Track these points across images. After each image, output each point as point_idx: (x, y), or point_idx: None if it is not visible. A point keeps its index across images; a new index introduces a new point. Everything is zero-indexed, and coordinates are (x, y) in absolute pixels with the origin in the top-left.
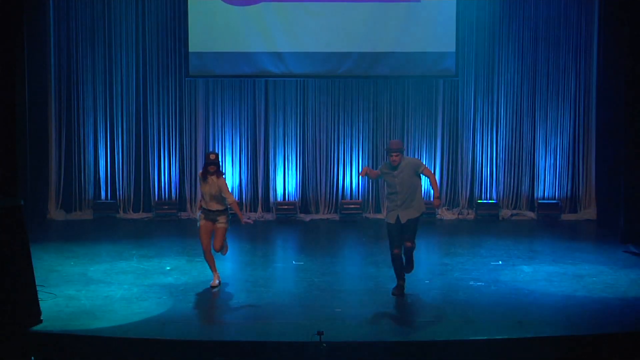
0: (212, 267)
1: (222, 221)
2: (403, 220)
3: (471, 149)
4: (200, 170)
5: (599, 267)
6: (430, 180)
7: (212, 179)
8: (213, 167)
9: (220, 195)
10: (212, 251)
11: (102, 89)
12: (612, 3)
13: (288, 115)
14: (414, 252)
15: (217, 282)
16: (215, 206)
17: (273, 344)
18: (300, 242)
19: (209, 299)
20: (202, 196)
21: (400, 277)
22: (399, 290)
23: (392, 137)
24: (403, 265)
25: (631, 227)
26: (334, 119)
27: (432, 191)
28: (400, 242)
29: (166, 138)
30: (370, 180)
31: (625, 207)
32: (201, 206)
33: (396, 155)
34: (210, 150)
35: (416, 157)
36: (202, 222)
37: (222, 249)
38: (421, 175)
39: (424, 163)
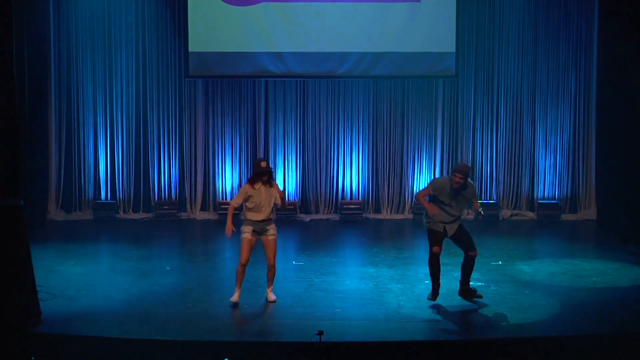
0: (239, 283)
1: (272, 232)
2: (450, 233)
3: (471, 149)
4: (246, 184)
5: (599, 267)
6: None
7: (264, 187)
8: (267, 176)
9: (272, 203)
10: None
11: (102, 89)
12: (612, 3)
13: (288, 115)
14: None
15: (237, 298)
16: (266, 215)
17: (273, 344)
18: (300, 242)
19: (209, 299)
20: (252, 208)
21: (436, 281)
22: (435, 295)
23: (392, 137)
24: (440, 266)
25: (631, 227)
26: (334, 119)
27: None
28: (442, 242)
29: (166, 138)
30: (371, 181)
31: (625, 207)
32: (246, 218)
33: (460, 179)
34: (261, 157)
35: (416, 157)
36: (247, 236)
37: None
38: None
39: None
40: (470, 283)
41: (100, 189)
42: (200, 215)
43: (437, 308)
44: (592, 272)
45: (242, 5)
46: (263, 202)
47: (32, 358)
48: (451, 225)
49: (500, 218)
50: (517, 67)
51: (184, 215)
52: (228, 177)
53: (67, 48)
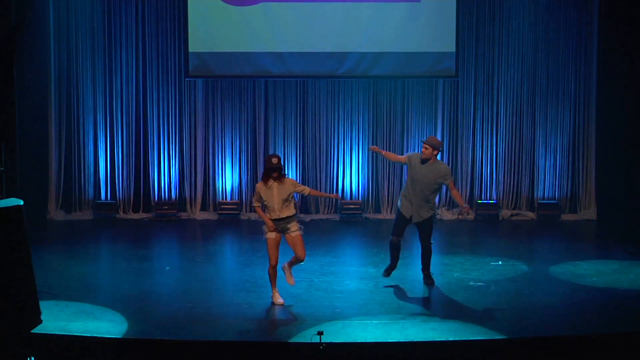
0: (274, 284)
1: (294, 229)
2: (416, 220)
3: (471, 149)
4: (259, 181)
5: (599, 267)
6: (453, 195)
7: (276, 184)
8: (277, 173)
9: (290, 199)
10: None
11: (102, 89)
12: (612, 3)
13: (288, 115)
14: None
15: (281, 300)
16: (285, 212)
17: (273, 344)
18: None
19: (208, 299)
20: (267, 206)
21: (393, 260)
22: (388, 272)
23: (392, 137)
24: (399, 253)
25: (631, 227)
26: (334, 119)
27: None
28: (403, 233)
29: (166, 138)
30: (371, 181)
31: (625, 207)
32: (269, 218)
33: (425, 149)
34: (272, 152)
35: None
36: (271, 235)
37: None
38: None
39: (452, 176)
40: (430, 270)
41: (100, 189)
42: (200, 215)
43: (437, 308)
44: (592, 272)
45: (242, 5)
46: (274, 201)
47: (32, 358)
48: (418, 212)
49: (500, 218)
50: (517, 67)
51: (184, 215)
52: (228, 177)
53: (67, 48)
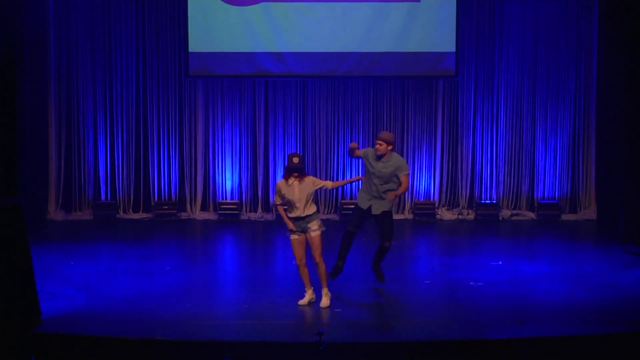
0: (307, 282)
1: (314, 228)
2: (375, 212)
3: (471, 149)
4: (280, 180)
5: (599, 267)
6: (400, 186)
7: (297, 182)
8: (297, 173)
9: (311, 197)
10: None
11: (102, 89)
12: (612, 3)
13: (288, 115)
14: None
15: (307, 300)
16: (306, 211)
17: (273, 344)
18: None
19: (209, 299)
20: (288, 205)
21: (341, 258)
22: (337, 272)
23: None
24: (350, 246)
25: (631, 227)
26: (334, 119)
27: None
28: (360, 225)
29: (166, 138)
30: None
31: (625, 207)
32: (289, 216)
33: (379, 145)
34: (293, 151)
35: (416, 157)
36: (294, 237)
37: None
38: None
39: (409, 170)
40: (380, 267)
41: (100, 189)
42: (200, 215)
43: (437, 308)
44: (592, 272)
45: (242, 5)
46: (295, 199)
47: (32, 358)
48: (378, 203)
49: (500, 218)
50: (517, 67)
51: (184, 215)
52: (228, 177)
53: (67, 48)
